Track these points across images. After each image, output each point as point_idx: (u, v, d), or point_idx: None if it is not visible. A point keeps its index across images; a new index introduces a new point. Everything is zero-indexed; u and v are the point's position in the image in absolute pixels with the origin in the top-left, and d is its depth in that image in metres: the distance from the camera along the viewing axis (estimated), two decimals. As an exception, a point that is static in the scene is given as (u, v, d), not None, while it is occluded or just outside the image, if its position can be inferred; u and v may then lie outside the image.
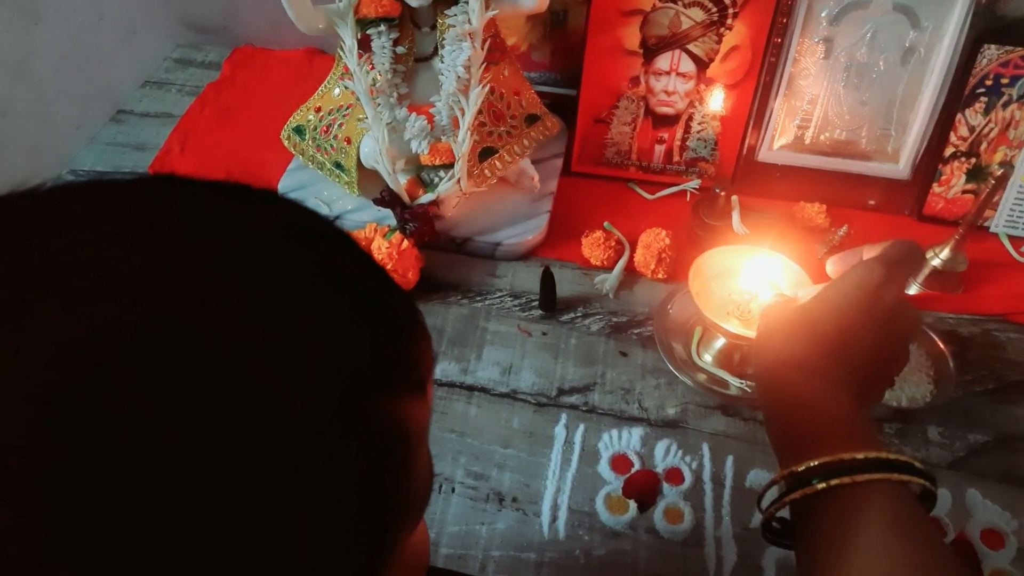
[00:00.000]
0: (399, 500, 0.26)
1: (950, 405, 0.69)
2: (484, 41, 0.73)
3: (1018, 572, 0.60)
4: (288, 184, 0.86)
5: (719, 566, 0.60)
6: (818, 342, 0.47)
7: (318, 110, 0.84)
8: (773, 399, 0.47)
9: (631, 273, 0.80)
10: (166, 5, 1.07)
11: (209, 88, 1.01)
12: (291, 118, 0.86)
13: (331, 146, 0.82)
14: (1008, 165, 0.80)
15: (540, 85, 0.94)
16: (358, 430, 0.24)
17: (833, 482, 0.40)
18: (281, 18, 0.99)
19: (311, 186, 0.86)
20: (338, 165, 0.83)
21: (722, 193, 0.80)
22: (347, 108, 0.82)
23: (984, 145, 0.82)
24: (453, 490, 0.64)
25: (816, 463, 0.41)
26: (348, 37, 0.74)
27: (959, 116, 0.81)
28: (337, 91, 0.83)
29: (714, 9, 0.79)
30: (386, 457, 0.25)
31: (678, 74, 0.83)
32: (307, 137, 0.84)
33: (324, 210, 0.84)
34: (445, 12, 0.74)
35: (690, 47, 0.82)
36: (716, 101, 0.85)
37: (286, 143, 0.86)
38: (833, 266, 0.54)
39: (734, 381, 0.71)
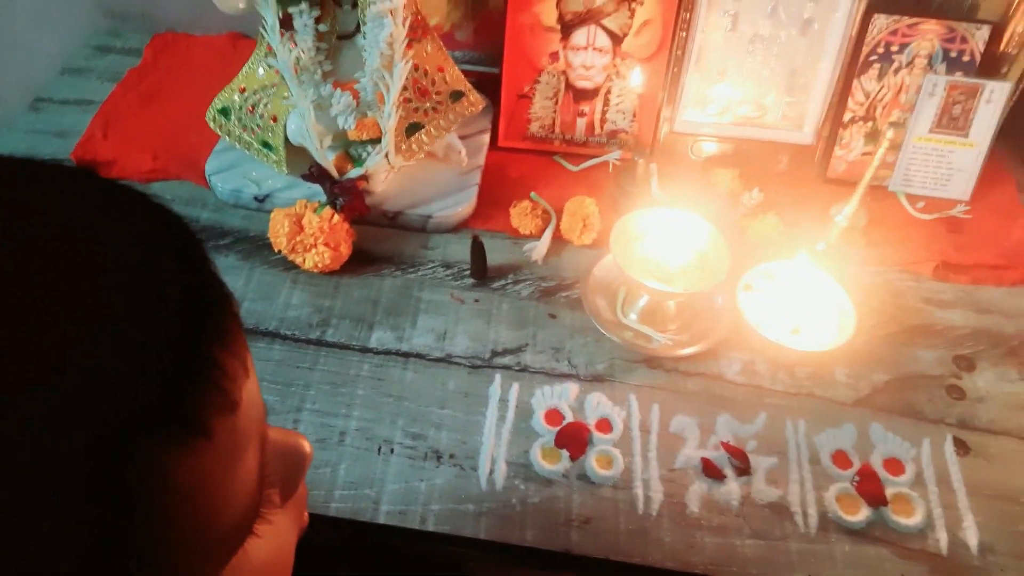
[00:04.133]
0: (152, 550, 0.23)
1: (855, 348, 0.74)
2: (405, 18, 0.75)
3: (915, 494, 0.65)
4: (216, 165, 0.86)
5: (647, 505, 0.64)
6: None
7: (243, 90, 0.84)
8: None
9: (558, 240, 0.83)
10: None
11: (131, 74, 1.00)
12: (216, 99, 0.86)
13: (257, 125, 0.83)
14: (900, 127, 0.86)
15: (464, 64, 0.96)
16: (101, 484, 0.21)
17: None
18: (201, 2, 1.00)
19: (239, 166, 0.86)
20: (265, 144, 0.83)
21: (641, 161, 0.84)
22: (272, 87, 0.82)
23: (879, 110, 0.88)
24: (392, 451, 0.66)
25: None
26: (270, 16, 0.74)
27: (855, 83, 0.87)
28: (261, 71, 0.84)
29: (626, -15, 0.83)
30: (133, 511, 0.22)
31: (595, 49, 0.87)
32: (233, 117, 0.85)
33: (253, 189, 0.84)
34: (366, -11, 0.75)
35: (605, 22, 0.85)
36: (635, 79, 0.89)
37: (212, 124, 0.86)
38: None
39: (657, 336, 0.75)
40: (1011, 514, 0.65)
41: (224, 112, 0.85)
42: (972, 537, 0.63)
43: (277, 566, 0.32)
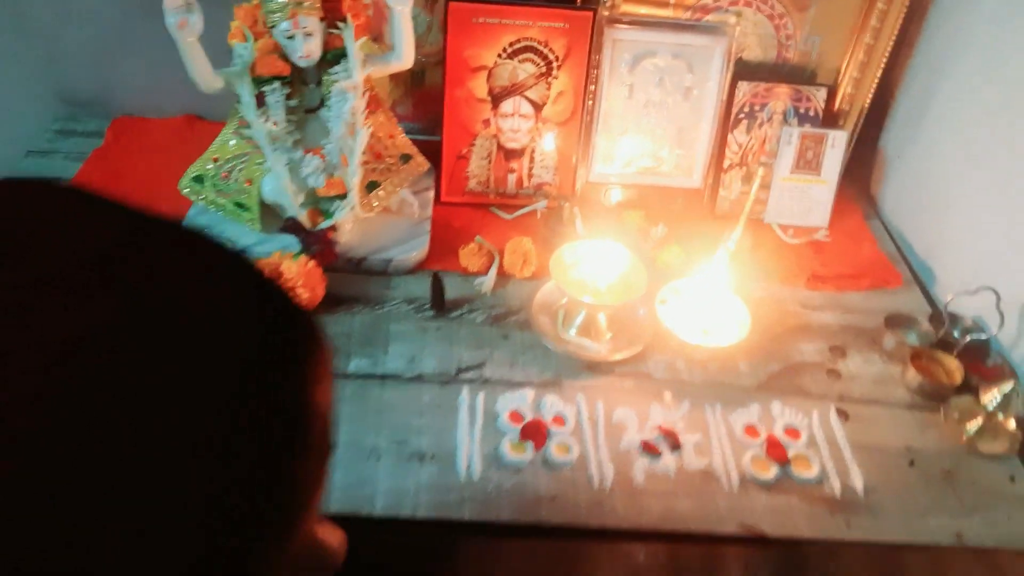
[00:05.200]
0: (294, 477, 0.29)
1: (752, 345, 0.91)
2: (364, 92, 0.89)
3: (811, 453, 0.81)
4: (191, 228, 0.96)
5: (601, 481, 0.77)
6: None
7: (216, 160, 0.95)
8: None
9: (502, 275, 0.97)
10: (40, 81, 1.13)
11: (96, 153, 1.08)
12: (189, 169, 0.97)
13: (232, 189, 0.94)
14: (768, 168, 1.07)
15: (407, 134, 1.10)
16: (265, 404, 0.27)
17: None
18: (157, 88, 1.11)
19: (211, 229, 0.96)
20: (239, 205, 0.94)
21: (566, 206, 1.01)
22: (244, 155, 0.94)
23: (750, 157, 1.08)
24: (380, 457, 0.76)
25: None
26: (246, 94, 0.87)
27: (730, 136, 1.07)
28: (233, 142, 0.95)
29: (542, 64, 1.00)
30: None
31: (520, 115, 1.03)
32: (207, 184, 0.95)
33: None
34: (329, 71, 0.89)
35: (527, 94, 1.02)
36: (548, 143, 1.06)
37: (186, 192, 0.96)
38: None
39: (593, 346, 0.89)
40: (886, 462, 0.81)
41: (198, 179, 0.96)
42: (858, 482, 0.79)
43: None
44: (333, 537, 0.38)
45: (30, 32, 1.08)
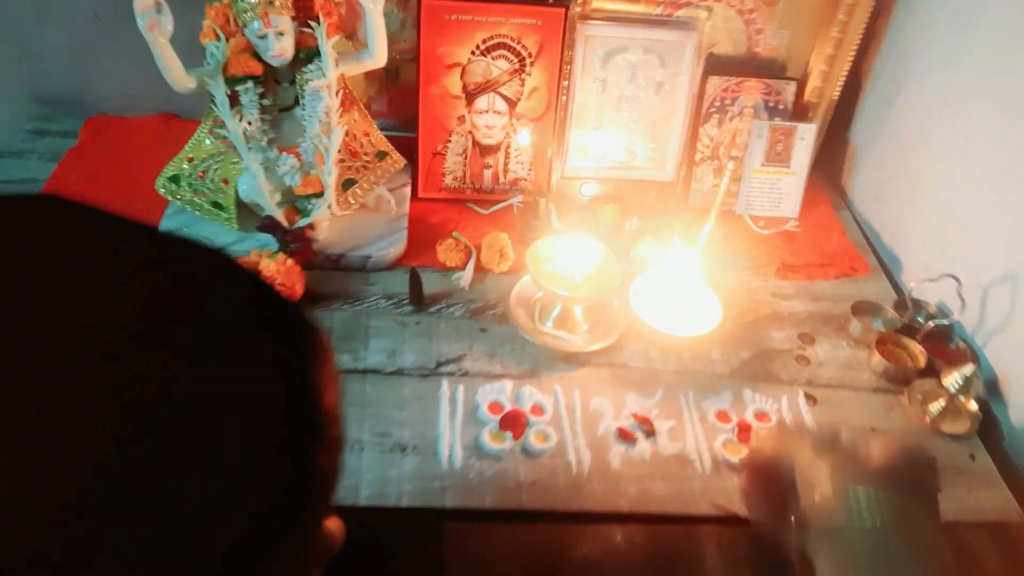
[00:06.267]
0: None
1: (723, 334, 0.93)
2: (337, 91, 0.90)
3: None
4: (168, 227, 0.96)
5: (579, 466, 0.79)
6: None
7: (191, 160, 0.96)
8: None
9: (480, 270, 0.99)
10: (13, 81, 1.12)
11: (71, 153, 1.08)
12: (164, 169, 0.97)
13: (208, 188, 0.94)
14: (739, 162, 1.09)
15: (383, 130, 1.11)
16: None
17: None
18: (132, 87, 1.11)
19: (190, 227, 0.96)
20: (216, 204, 0.94)
21: (542, 201, 1.02)
22: (219, 155, 0.94)
23: (722, 150, 1.11)
24: (363, 449, 0.78)
25: None
26: (220, 94, 0.87)
27: (701, 130, 1.09)
28: (208, 142, 0.95)
29: (516, 60, 1.02)
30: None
31: (494, 112, 1.05)
32: (183, 184, 0.95)
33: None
34: (302, 70, 0.90)
35: (501, 90, 1.04)
36: (523, 139, 1.07)
37: (162, 191, 0.97)
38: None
39: (570, 337, 0.91)
40: (852, 444, 0.84)
41: (174, 179, 0.96)
42: (826, 464, 0.82)
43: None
44: (335, 525, 0.41)
45: (3, 31, 1.08)
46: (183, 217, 0.97)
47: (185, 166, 0.96)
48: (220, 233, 0.96)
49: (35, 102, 1.15)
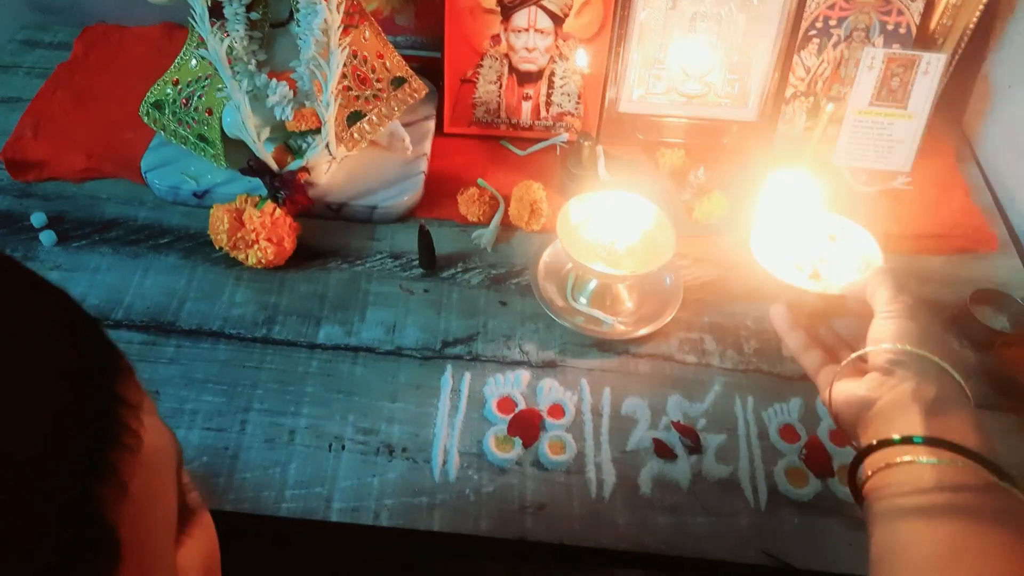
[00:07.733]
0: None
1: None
2: (339, 3, 0.73)
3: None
4: (152, 161, 0.84)
5: (600, 488, 0.64)
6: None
7: (176, 83, 0.82)
8: None
9: (507, 227, 0.83)
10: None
11: (61, 69, 0.96)
12: (148, 93, 0.84)
13: (193, 119, 0.80)
14: (840, 101, 0.87)
15: (407, 49, 0.94)
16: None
17: None
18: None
19: (176, 162, 0.84)
20: (201, 138, 0.81)
21: (587, 144, 0.84)
22: (206, 79, 0.80)
23: (820, 84, 0.89)
24: (343, 447, 0.66)
25: None
26: (198, 5, 0.72)
27: (796, 58, 0.87)
28: (194, 62, 0.81)
29: (565, -35, 0.82)
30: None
31: (536, 30, 0.86)
32: (167, 111, 0.82)
33: (192, 186, 0.82)
34: (297, -24, 0.73)
35: (545, 3, 0.84)
36: (581, 59, 0.88)
37: (146, 119, 0.84)
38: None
39: (607, 319, 0.75)
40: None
41: (158, 106, 0.83)
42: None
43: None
44: (199, 547, 0.33)
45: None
46: (169, 150, 0.84)
47: (169, 91, 0.82)
48: (208, 171, 0.83)
49: (29, 8, 1.03)
